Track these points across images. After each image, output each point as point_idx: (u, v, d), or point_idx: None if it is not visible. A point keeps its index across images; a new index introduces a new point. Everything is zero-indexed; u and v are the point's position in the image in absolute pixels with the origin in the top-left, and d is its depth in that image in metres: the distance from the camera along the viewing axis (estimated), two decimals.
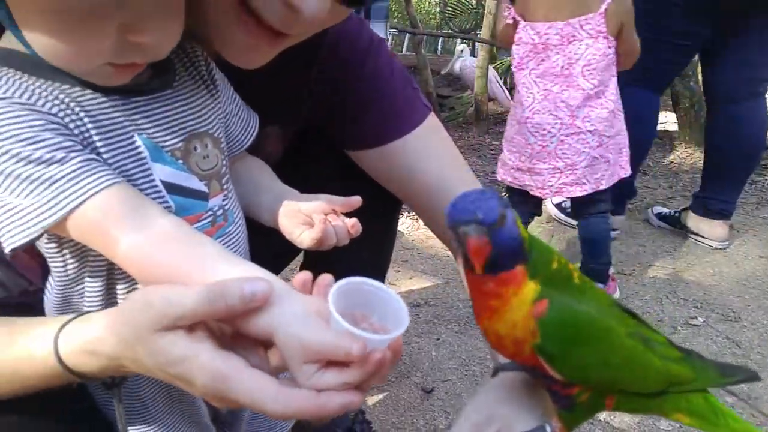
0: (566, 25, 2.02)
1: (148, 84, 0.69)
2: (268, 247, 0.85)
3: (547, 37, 2.07)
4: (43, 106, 0.61)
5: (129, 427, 0.77)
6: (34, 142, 0.58)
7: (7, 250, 0.60)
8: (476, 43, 5.71)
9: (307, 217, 0.80)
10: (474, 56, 5.23)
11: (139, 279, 0.64)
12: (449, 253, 2.75)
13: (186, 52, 0.77)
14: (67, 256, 0.68)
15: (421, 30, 5.07)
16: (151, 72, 0.70)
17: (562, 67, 2.06)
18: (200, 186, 0.73)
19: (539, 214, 2.40)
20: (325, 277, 0.60)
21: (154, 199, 0.67)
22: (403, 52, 9.24)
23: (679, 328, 2.14)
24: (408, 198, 1.06)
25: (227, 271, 0.59)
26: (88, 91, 0.64)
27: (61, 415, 0.74)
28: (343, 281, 0.57)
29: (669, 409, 0.59)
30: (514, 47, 2.17)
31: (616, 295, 2.38)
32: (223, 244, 0.74)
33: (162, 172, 0.68)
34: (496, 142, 4.26)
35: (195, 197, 0.72)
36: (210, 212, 0.74)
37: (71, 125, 0.62)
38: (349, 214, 0.83)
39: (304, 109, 0.99)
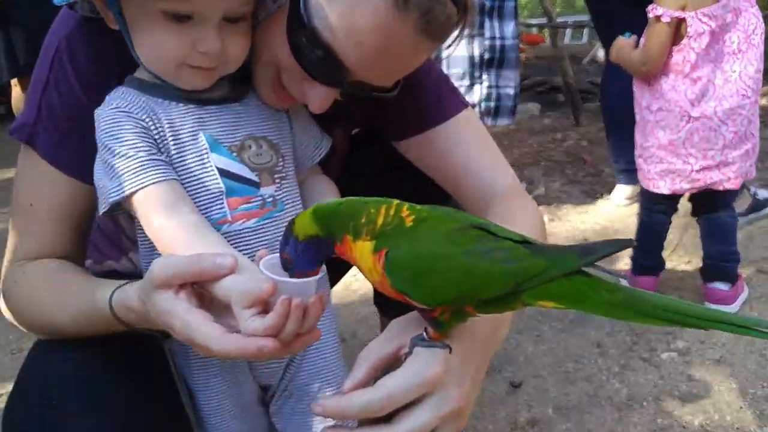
0: None
1: (221, 95, 0.92)
2: None
3: (723, 19, 1.90)
4: (137, 114, 0.86)
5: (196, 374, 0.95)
6: (119, 139, 0.83)
7: (99, 214, 0.86)
8: None
9: None
10: None
11: (161, 252, 0.83)
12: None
13: None
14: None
15: (553, 22, 5.08)
16: (229, 87, 0.92)
17: (739, 43, 1.92)
18: (250, 175, 0.91)
19: (676, 211, 2.22)
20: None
21: (209, 180, 0.88)
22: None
23: None
24: (443, 181, 1.17)
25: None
26: (173, 102, 0.89)
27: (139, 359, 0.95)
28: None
29: (528, 301, 0.66)
30: (690, 44, 1.93)
31: (744, 294, 2.15)
32: (269, 226, 0.92)
33: (218, 160, 0.89)
34: None
35: (244, 183, 0.90)
36: (259, 197, 0.91)
37: (151, 127, 0.86)
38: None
39: (356, 115, 1.19)
